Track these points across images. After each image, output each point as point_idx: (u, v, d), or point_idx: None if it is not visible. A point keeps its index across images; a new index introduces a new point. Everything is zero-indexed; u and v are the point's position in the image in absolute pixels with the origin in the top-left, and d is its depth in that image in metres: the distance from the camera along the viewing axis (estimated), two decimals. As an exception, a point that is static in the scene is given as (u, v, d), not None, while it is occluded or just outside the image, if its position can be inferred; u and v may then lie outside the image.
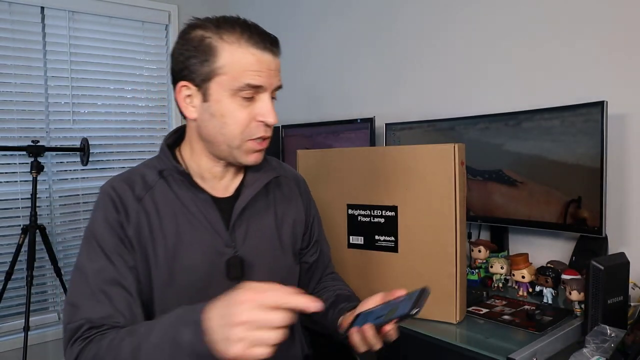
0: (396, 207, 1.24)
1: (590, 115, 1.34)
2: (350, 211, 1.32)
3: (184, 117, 0.92)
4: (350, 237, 1.32)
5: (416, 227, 1.21)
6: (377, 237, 1.27)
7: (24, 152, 2.24)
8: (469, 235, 1.77)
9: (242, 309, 0.61)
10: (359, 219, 1.31)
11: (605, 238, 1.37)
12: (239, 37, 0.85)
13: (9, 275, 2.18)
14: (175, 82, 0.89)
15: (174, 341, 0.67)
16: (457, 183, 1.14)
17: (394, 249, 1.25)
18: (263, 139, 0.89)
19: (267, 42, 0.86)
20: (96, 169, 2.65)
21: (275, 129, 2.40)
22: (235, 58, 0.84)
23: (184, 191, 0.91)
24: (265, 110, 0.86)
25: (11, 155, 2.37)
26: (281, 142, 2.39)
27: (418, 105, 2.01)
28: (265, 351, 0.61)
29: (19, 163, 2.40)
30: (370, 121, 2.00)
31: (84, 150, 2.44)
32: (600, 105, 1.31)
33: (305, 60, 2.56)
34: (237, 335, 0.60)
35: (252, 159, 0.90)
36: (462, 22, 1.84)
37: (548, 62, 1.59)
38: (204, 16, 0.90)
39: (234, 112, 0.85)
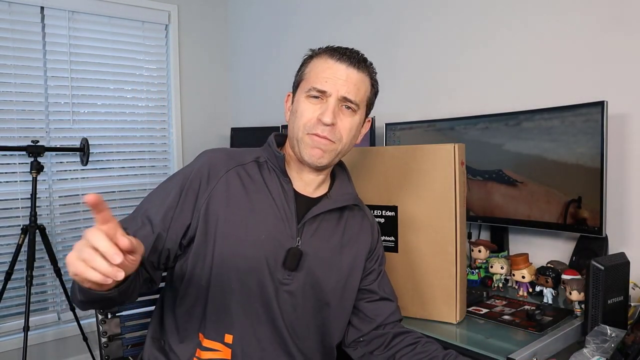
0: (396, 207, 1.24)
1: (590, 115, 1.34)
2: (350, 211, 1.32)
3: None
4: (350, 237, 1.32)
5: (416, 227, 1.21)
6: (377, 237, 1.27)
7: (24, 152, 2.24)
8: (469, 235, 1.77)
9: (89, 231, 0.65)
10: (359, 219, 1.31)
11: (605, 238, 1.37)
12: (326, 52, 0.99)
13: (8, 275, 2.18)
14: None
15: None
16: (457, 183, 1.14)
17: (394, 249, 1.25)
18: (319, 136, 0.95)
19: (346, 56, 0.97)
20: (96, 169, 2.66)
21: (276, 129, 2.41)
22: (314, 66, 0.98)
23: (273, 178, 0.99)
24: (324, 110, 0.94)
25: (11, 155, 2.37)
26: (281, 142, 2.38)
27: (418, 105, 2.01)
28: (95, 275, 0.64)
29: (19, 163, 2.40)
30: (370, 121, 2.00)
31: (83, 150, 2.44)
32: (600, 105, 1.31)
33: (305, 60, 2.55)
34: (77, 246, 0.65)
35: (311, 153, 0.96)
36: (462, 22, 1.84)
37: (548, 62, 1.59)
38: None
39: (304, 109, 0.96)
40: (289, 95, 1.05)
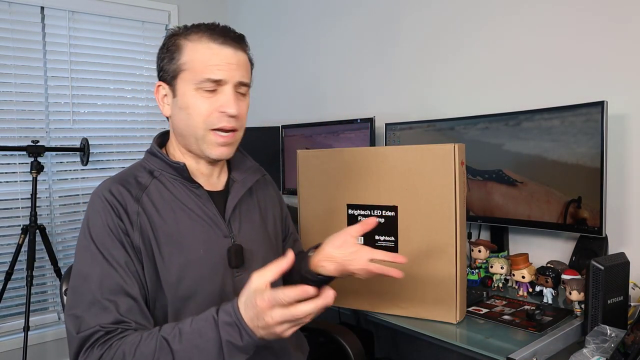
0: (396, 207, 1.24)
1: (590, 115, 1.34)
2: (350, 211, 1.32)
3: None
4: (350, 237, 1.32)
5: (416, 227, 1.21)
6: (377, 237, 1.27)
7: (24, 152, 2.24)
8: (469, 235, 1.77)
9: (270, 315, 0.70)
10: (359, 219, 1.31)
11: (605, 238, 1.37)
12: (201, 35, 0.90)
13: (9, 275, 2.18)
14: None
15: (222, 341, 0.74)
16: (457, 183, 1.14)
17: (394, 249, 1.24)
18: (225, 130, 0.91)
19: (229, 37, 0.91)
20: (96, 169, 2.66)
21: (275, 129, 2.41)
22: (196, 54, 0.90)
23: (179, 188, 0.94)
24: (225, 101, 0.89)
25: (11, 155, 2.37)
26: (281, 142, 2.39)
27: (418, 105, 2.01)
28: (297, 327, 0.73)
29: (19, 163, 2.40)
30: (370, 121, 2.00)
31: (83, 150, 2.44)
32: (600, 105, 1.31)
33: (305, 60, 2.55)
34: (280, 329, 0.71)
35: (217, 152, 0.93)
36: (461, 22, 1.84)
37: (548, 62, 1.59)
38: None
39: (196, 103, 0.90)
40: (159, 86, 0.95)
